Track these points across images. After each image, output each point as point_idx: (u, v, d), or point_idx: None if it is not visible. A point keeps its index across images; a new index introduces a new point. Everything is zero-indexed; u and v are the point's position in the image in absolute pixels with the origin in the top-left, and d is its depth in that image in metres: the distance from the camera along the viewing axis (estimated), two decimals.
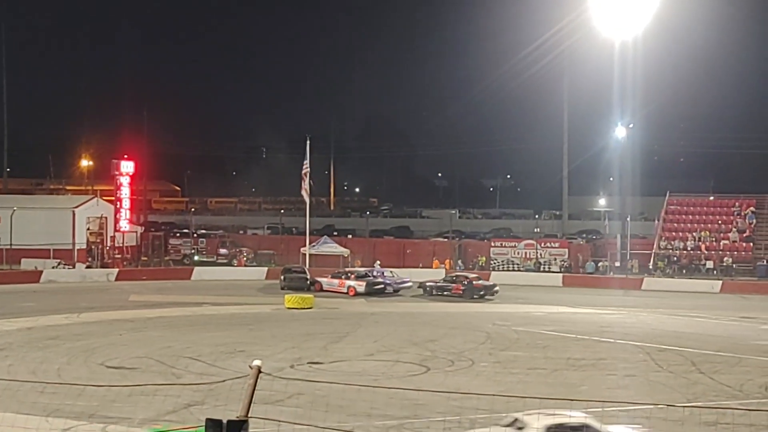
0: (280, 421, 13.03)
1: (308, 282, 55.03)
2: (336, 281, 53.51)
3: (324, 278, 54.32)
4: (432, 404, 20.13)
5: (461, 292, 50.98)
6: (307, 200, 61.20)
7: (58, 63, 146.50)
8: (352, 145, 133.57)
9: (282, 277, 56.12)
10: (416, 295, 51.98)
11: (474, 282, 51.80)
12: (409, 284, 54.08)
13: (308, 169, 59.89)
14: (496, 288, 52.04)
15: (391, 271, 56.10)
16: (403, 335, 35.40)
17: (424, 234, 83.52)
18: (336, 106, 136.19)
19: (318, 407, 19.49)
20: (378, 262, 62.33)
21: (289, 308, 44.74)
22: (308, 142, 59.58)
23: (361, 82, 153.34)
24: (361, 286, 52.34)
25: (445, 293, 51.37)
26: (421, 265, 65.05)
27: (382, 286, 53.02)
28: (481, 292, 51.08)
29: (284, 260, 64.60)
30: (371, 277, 53.62)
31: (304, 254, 60.75)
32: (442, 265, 65.97)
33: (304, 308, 44.76)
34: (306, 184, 60.27)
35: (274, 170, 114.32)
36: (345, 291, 52.43)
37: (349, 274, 54.09)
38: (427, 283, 53.08)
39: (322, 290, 52.80)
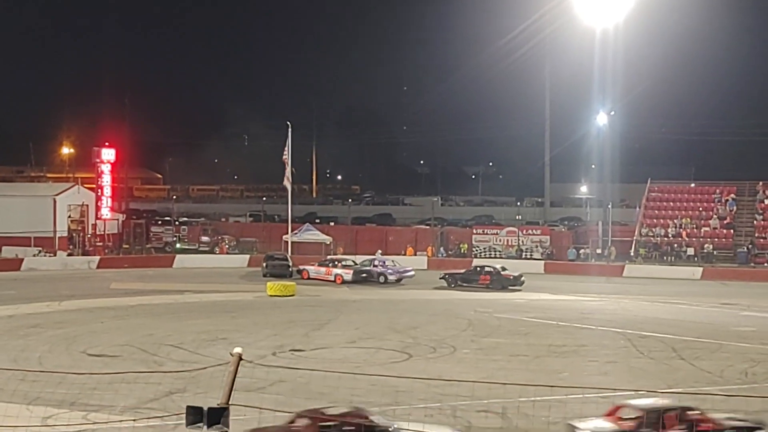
0: (261, 408, 13.04)
1: (290, 269, 55.05)
2: (323, 269, 53.22)
3: (311, 266, 54.01)
4: (413, 391, 20.16)
5: (489, 282, 50.01)
6: (289, 188, 61.20)
7: (38, 50, 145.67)
8: (334, 132, 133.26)
9: (264, 264, 56.14)
10: (438, 286, 50.35)
11: (502, 272, 50.82)
12: (412, 273, 53.43)
13: (288, 157, 59.79)
14: (523, 278, 50.78)
15: (392, 260, 55.62)
16: (385, 322, 35.44)
17: (406, 221, 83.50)
18: (318, 94, 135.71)
19: (299, 394, 19.52)
20: (380, 251, 61.76)
21: (271, 296, 44.72)
22: (290, 129, 59.45)
23: (342, 70, 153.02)
24: (348, 274, 52.13)
25: (472, 284, 50.15)
26: (402, 252, 65.13)
27: (368, 274, 52.61)
28: (511, 283, 50.05)
29: (266, 248, 64.45)
30: (359, 266, 53.37)
31: (287, 242, 60.69)
32: (424, 252, 66.07)
33: (286, 296, 44.75)
34: (287, 172, 60.21)
35: (256, 158, 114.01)
36: (332, 279, 52.15)
37: (336, 262, 53.84)
38: (451, 274, 51.69)
39: (309, 278, 52.54)
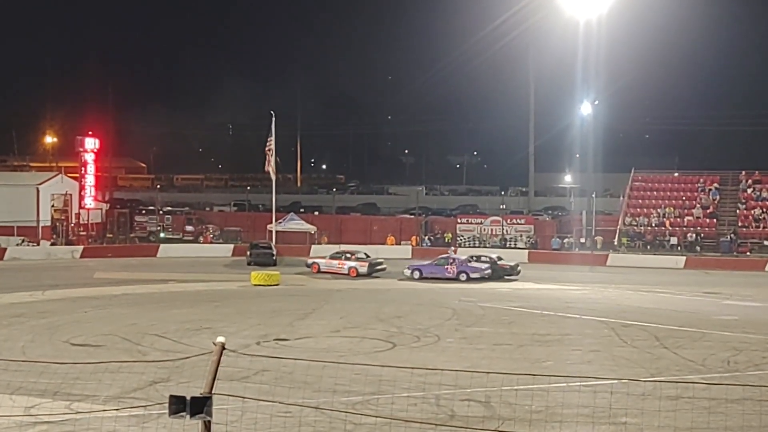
0: (244, 397, 13.04)
1: (274, 258, 55.10)
2: (335, 262, 52.17)
3: (321, 259, 53.16)
4: (397, 380, 20.18)
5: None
6: (273, 177, 61.19)
7: (20, 38, 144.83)
8: (318, 121, 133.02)
9: (248, 253, 56.26)
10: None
11: (498, 262, 50.97)
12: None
13: (272, 146, 59.74)
14: (519, 268, 51.20)
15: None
16: (370, 312, 35.47)
17: (391, 210, 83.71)
18: (302, 83, 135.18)
19: (283, 383, 19.51)
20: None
21: (255, 285, 44.75)
22: (273, 119, 59.35)
23: (327, 59, 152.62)
24: (363, 267, 51.29)
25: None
26: (389, 242, 65.26)
27: (385, 266, 52.10)
28: (507, 273, 50.31)
29: (250, 237, 64.54)
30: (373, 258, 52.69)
31: (271, 231, 60.66)
32: (408, 242, 66.13)
33: (271, 285, 44.78)
34: (271, 161, 60.16)
35: (240, 147, 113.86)
36: (346, 272, 51.35)
37: (348, 255, 52.80)
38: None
39: (319, 271, 51.87)
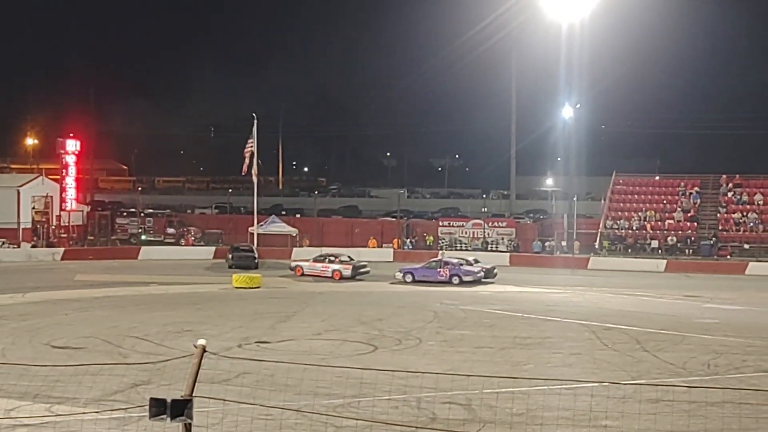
0: (225, 400, 13.04)
1: (256, 260, 55.05)
2: (319, 265, 51.91)
3: (305, 262, 52.98)
4: (379, 383, 20.18)
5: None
6: (255, 180, 61.04)
7: (1, 39, 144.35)
8: (300, 124, 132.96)
9: (229, 256, 56.21)
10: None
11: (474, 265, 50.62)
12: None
13: (252, 148, 59.49)
14: (495, 270, 51.15)
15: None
16: (351, 314, 35.45)
17: (373, 213, 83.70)
18: (284, 86, 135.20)
19: (264, 386, 19.49)
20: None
21: (236, 287, 44.68)
22: (255, 121, 59.23)
23: (310, 62, 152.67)
24: (347, 270, 51.02)
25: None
26: (370, 245, 65.27)
27: (369, 269, 51.96)
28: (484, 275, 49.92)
29: (232, 239, 64.50)
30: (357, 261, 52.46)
31: (252, 233, 60.58)
32: (390, 245, 66.13)
33: (252, 288, 44.72)
34: (254, 163, 59.95)
35: (222, 149, 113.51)
36: (330, 275, 51.00)
37: (332, 258, 52.47)
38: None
39: (303, 275, 51.58)
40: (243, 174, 61.71)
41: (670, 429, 17.14)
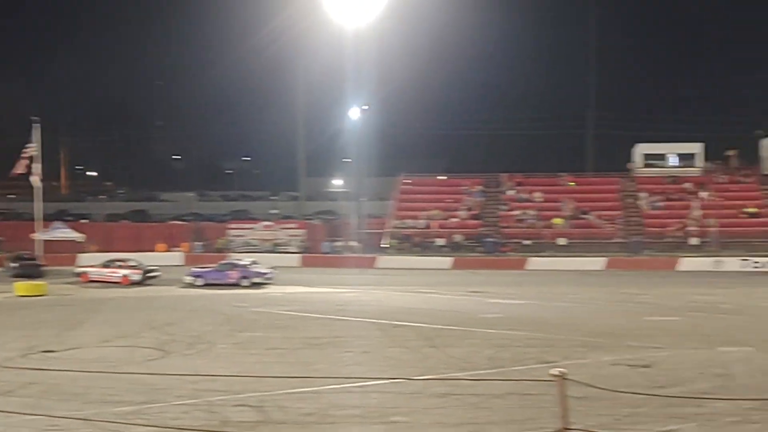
0: (9, 412, 12.66)
1: (41, 269, 53.30)
2: (106, 270, 50.68)
3: (91, 267, 51.55)
4: (171, 388, 19.95)
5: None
6: (36, 184, 58.90)
7: None
8: (85, 126, 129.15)
9: (12, 265, 54.18)
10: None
11: (252, 267, 50.01)
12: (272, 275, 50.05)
13: (33, 152, 57.49)
14: (272, 274, 50.37)
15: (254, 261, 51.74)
16: (141, 320, 34.81)
17: (162, 217, 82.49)
18: (68, 87, 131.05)
19: (51, 396, 18.99)
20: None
21: (20, 296, 43.15)
22: (36, 124, 57.23)
23: (94, 63, 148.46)
24: (136, 274, 49.96)
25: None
26: (159, 249, 64.36)
27: (159, 273, 50.94)
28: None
29: (14, 247, 62.08)
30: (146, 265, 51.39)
31: (35, 240, 58.62)
32: (180, 249, 65.39)
33: (37, 295, 43.27)
34: (31, 167, 57.85)
35: (1, 153, 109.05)
36: (118, 280, 49.72)
37: (120, 262, 51.25)
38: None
39: (90, 281, 50.22)
40: (16, 175, 59.31)
41: (459, 422, 17.68)
